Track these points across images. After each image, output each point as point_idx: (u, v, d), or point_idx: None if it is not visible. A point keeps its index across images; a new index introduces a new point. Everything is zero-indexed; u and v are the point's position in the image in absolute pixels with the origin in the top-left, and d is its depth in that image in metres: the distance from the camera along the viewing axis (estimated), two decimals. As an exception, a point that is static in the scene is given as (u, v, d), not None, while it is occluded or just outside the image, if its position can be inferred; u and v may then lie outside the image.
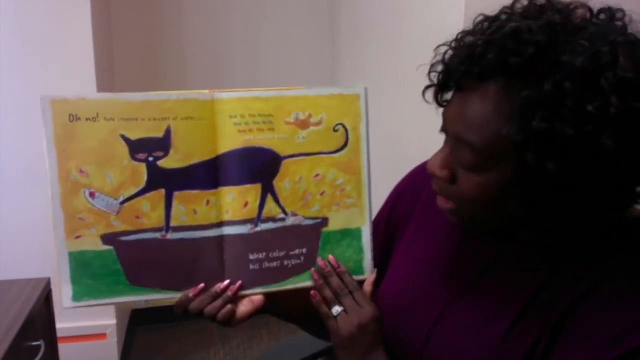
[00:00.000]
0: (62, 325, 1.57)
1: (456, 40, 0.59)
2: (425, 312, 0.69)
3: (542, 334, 0.58)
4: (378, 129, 1.72)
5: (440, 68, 0.60)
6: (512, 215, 0.58)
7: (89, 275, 0.68)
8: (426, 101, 0.64)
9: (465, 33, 0.58)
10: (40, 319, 1.28)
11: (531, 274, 0.61)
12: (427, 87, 0.63)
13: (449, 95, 0.61)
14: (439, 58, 0.60)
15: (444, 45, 0.60)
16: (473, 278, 0.66)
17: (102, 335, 1.92)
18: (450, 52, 0.59)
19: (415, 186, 0.80)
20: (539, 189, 0.53)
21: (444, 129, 0.61)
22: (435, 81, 0.61)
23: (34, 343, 1.21)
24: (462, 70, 0.55)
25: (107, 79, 2.01)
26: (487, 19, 0.57)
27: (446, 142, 0.61)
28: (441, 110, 0.62)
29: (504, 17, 0.56)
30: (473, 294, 0.66)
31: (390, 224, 0.81)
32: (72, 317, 1.85)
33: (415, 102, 1.49)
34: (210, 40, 2.26)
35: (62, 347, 1.47)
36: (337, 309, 0.69)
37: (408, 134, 1.52)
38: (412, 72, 1.46)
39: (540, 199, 0.53)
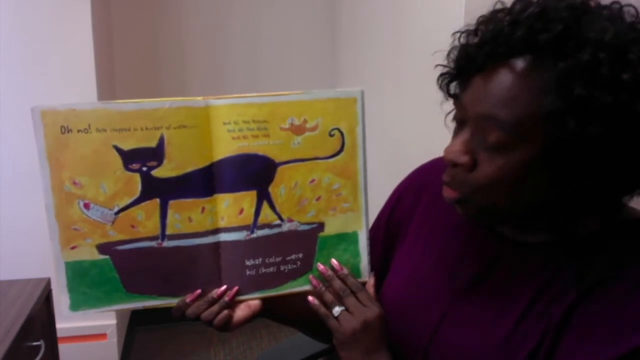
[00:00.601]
0: (62, 325, 1.57)
1: (476, 24, 0.60)
2: (428, 312, 0.69)
3: (545, 333, 0.58)
4: (378, 131, 1.73)
5: (455, 54, 0.61)
6: (528, 201, 0.58)
7: (85, 284, 0.68)
8: (440, 89, 0.64)
9: (484, 18, 0.59)
10: (40, 319, 1.28)
11: (534, 273, 0.62)
12: (443, 75, 0.63)
13: (453, 89, 0.62)
14: (457, 43, 0.61)
15: (460, 32, 0.61)
16: (475, 278, 0.66)
17: (102, 335, 1.92)
18: (468, 37, 0.60)
19: (415, 187, 0.80)
20: (566, 164, 0.53)
21: (458, 117, 0.61)
22: (452, 67, 0.61)
23: (34, 343, 1.21)
24: (487, 50, 0.56)
25: (107, 81, 2.01)
26: (504, 6, 0.59)
27: (462, 129, 0.60)
28: (443, 109, 0.62)
29: (519, 4, 0.57)
30: (476, 294, 0.66)
31: (391, 226, 0.81)
32: (72, 317, 1.83)
33: (415, 103, 1.49)
34: (210, 42, 2.26)
35: (62, 347, 1.47)
36: (337, 310, 0.69)
37: (408, 135, 1.52)
38: (413, 73, 1.47)
39: (565, 176, 0.54)
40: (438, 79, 0.64)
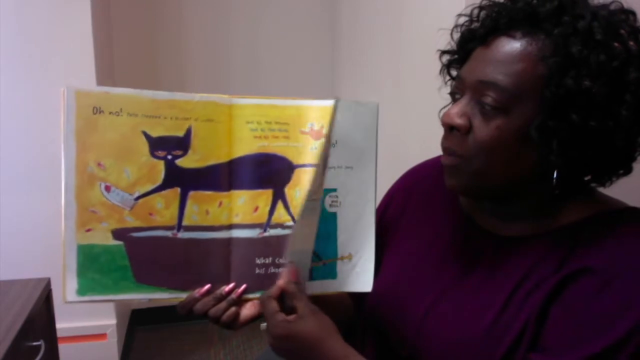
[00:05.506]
0: (62, 325, 1.57)
1: (475, 9, 0.65)
2: (415, 305, 0.70)
3: (526, 324, 0.60)
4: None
5: (458, 33, 0.66)
6: (520, 171, 0.60)
7: (95, 269, 0.68)
8: (440, 72, 0.68)
9: (478, 7, 0.64)
10: (40, 319, 1.28)
11: (515, 265, 0.63)
12: (445, 53, 0.68)
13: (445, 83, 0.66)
14: (460, 26, 0.66)
15: (462, 14, 0.66)
16: (460, 272, 0.68)
17: (102, 335, 1.92)
18: (472, 17, 0.65)
19: (407, 188, 0.82)
20: (559, 129, 0.56)
21: (456, 89, 0.64)
22: (456, 44, 0.66)
23: (34, 343, 1.21)
24: (489, 23, 0.61)
25: (107, 79, 2.01)
26: None
27: (460, 98, 0.63)
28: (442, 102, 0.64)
29: None
30: (461, 287, 0.67)
31: (382, 224, 0.82)
32: (72, 317, 1.84)
33: (416, 104, 1.49)
34: (210, 42, 2.26)
35: (62, 347, 1.47)
36: None
37: (409, 135, 1.52)
38: (413, 73, 1.47)
39: (558, 138, 0.56)
40: (440, 59, 0.68)
